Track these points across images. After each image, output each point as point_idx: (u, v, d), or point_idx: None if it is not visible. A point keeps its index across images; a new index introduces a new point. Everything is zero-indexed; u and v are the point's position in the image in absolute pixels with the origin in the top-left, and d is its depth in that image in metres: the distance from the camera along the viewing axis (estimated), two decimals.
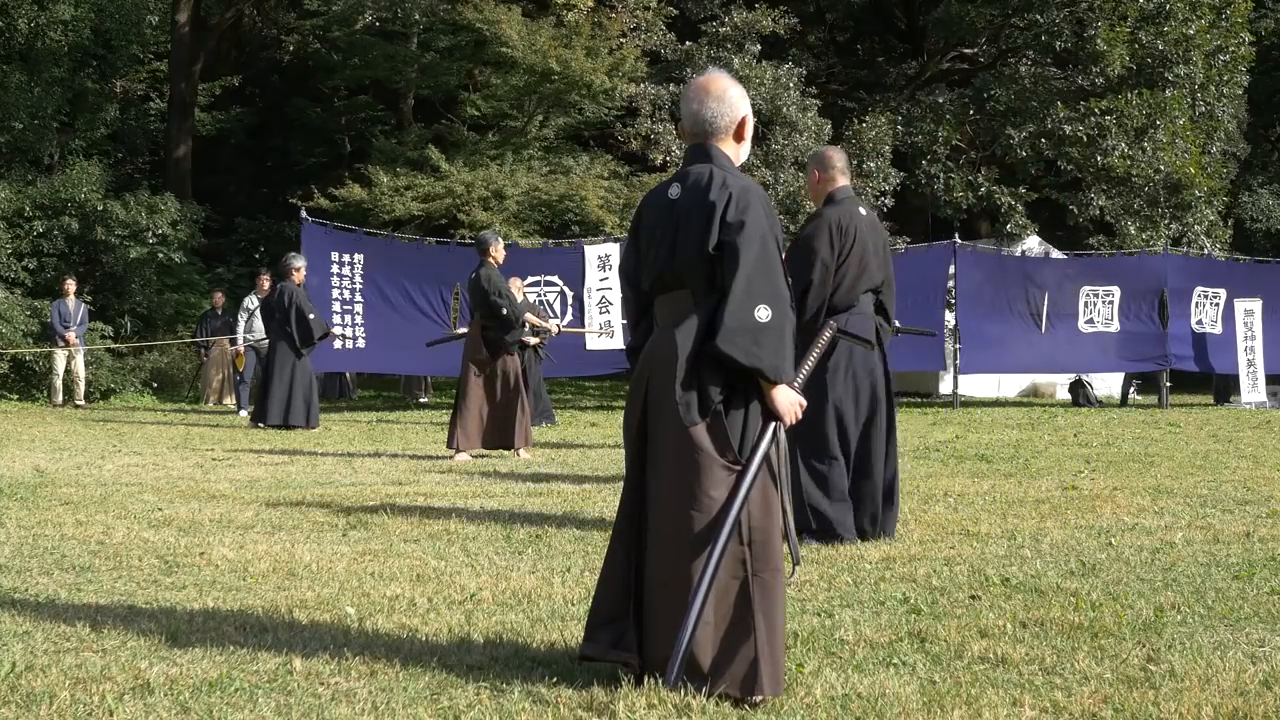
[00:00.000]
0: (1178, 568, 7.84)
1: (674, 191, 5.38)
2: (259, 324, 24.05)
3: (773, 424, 5.21)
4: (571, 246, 25.62)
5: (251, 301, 24.98)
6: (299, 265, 20.32)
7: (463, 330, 17.50)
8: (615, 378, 27.03)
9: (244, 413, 23.38)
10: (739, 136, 5.50)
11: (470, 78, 33.50)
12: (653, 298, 5.51)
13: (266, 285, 24.12)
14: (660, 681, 4.98)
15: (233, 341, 25.61)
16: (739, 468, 5.11)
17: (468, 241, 25.24)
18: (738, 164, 5.47)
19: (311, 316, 19.91)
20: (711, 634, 5.01)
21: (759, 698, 4.94)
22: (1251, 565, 7.92)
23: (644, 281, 5.53)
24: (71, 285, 26.69)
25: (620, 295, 6.07)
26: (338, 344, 22.95)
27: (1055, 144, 32.35)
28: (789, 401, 5.21)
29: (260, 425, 19.67)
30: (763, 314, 5.07)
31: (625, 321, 5.78)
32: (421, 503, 10.83)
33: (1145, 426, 20.54)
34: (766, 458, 5.16)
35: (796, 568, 5.32)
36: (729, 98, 5.44)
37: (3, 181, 29.73)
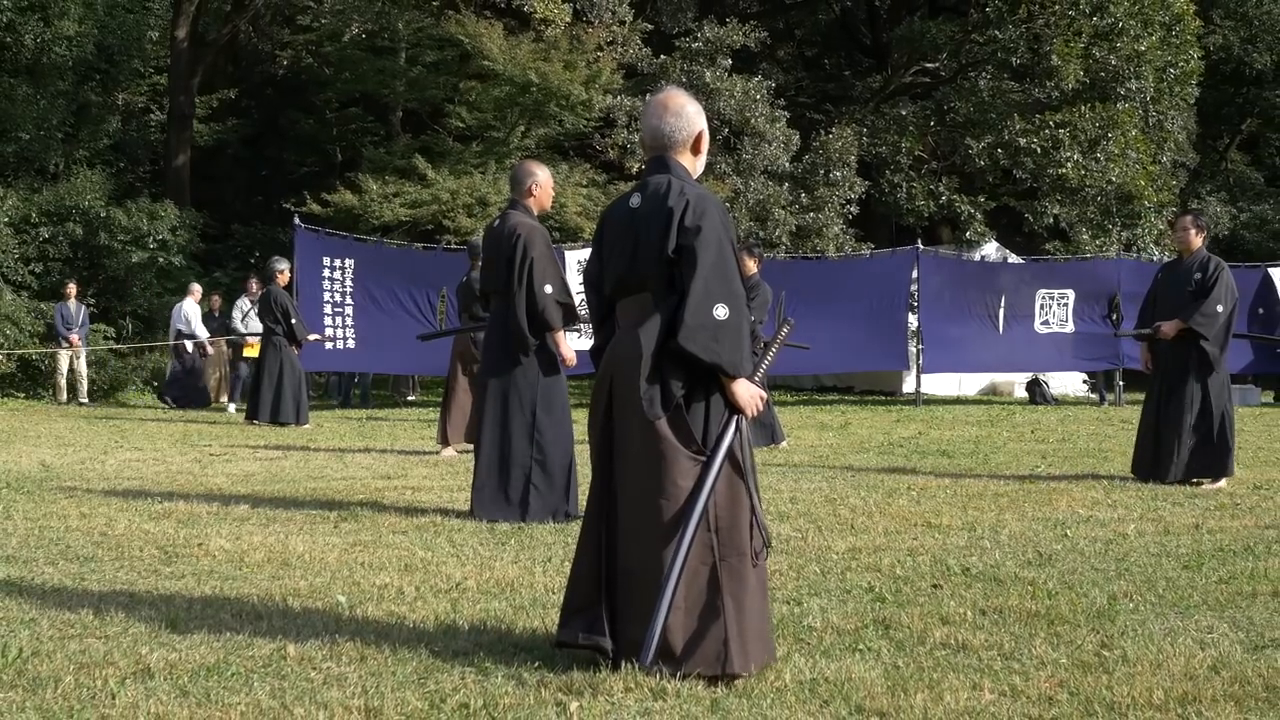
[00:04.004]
0: (1130, 558, 7.87)
1: (634, 200, 5.44)
2: (254, 323, 24.23)
3: (735, 417, 5.24)
4: None
5: (245, 303, 25.08)
6: (283, 268, 20.40)
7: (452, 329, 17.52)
8: (590, 377, 27.00)
9: (233, 408, 23.42)
10: (696, 150, 5.56)
11: (455, 90, 33.42)
12: (614, 301, 5.56)
13: (255, 287, 24.58)
14: (636, 665, 5.00)
15: (230, 344, 25.61)
16: (703, 458, 5.13)
17: (453, 246, 25.21)
18: (695, 175, 5.53)
19: (294, 321, 19.96)
20: (683, 618, 5.03)
21: (730, 673, 4.97)
22: (1200, 556, 7.95)
23: (606, 286, 5.58)
24: (73, 289, 26.78)
25: (585, 300, 6.08)
26: (328, 345, 22.93)
27: (1012, 154, 32.36)
28: (748, 395, 5.24)
29: (254, 422, 19.68)
30: (720, 312, 5.12)
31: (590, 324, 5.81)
32: (409, 496, 10.86)
33: (1099, 423, 20.58)
34: (731, 449, 5.19)
35: (767, 551, 5.32)
36: (686, 114, 5.50)
37: (10, 190, 29.70)
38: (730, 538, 5.13)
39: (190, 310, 25.78)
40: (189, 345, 25.28)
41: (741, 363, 5.19)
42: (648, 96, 6.82)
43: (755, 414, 5.30)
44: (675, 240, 5.20)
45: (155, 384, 28.95)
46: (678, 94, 5.59)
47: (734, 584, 5.09)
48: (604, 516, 5.34)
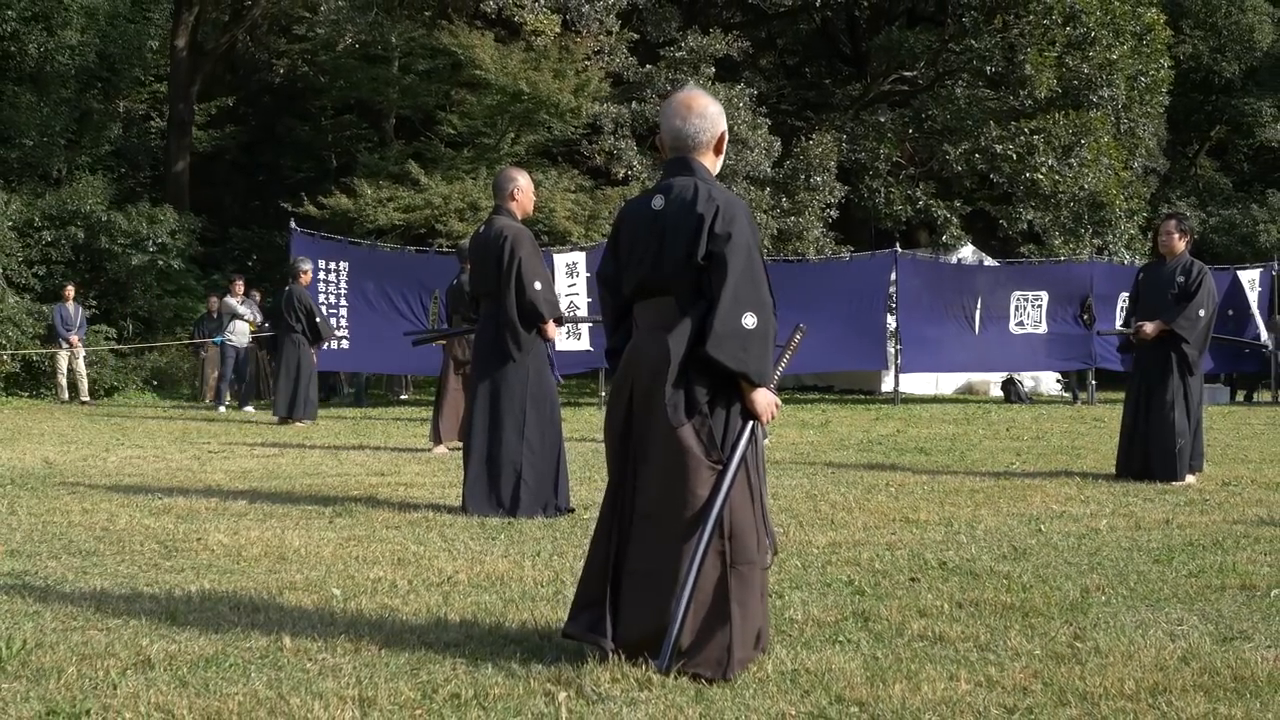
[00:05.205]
0: (1102, 552, 7.88)
1: (657, 203, 5.28)
2: (240, 325, 24.42)
3: (751, 423, 5.18)
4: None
5: (233, 304, 25.12)
6: (306, 268, 20.52)
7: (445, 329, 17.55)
8: (580, 376, 26.99)
9: (222, 408, 23.40)
10: (718, 150, 5.44)
11: (447, 98, 33.36)
12: (632, 303, 5.45)
13: (240, 289, 25.40)
14: (621, 657, 5.00)
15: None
16: (722, 466, 5.08)
17: (445, 250, 25.21)
18: (714, 175, 5.40)
19: (318, 320, 20.03)
20: (691, 620, 4.99)
21: (731, 677, 4.94)
22: (1170, 550, 7.96)
23: (625, 287, 5.45)
24: (71, 291, 26.94)
25: (599, 301, 5.92)
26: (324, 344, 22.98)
27: (988, 161, 32.38)
28: (767, 402, 5.18)
29: (259, 415, 19.75)
30: (749, 321, 5.02)
31: (603, 324, 5.73)
32: (402, 492, 10.84)
33: (1072, 421, 20.62)
34: (745, 456, 5.14)
35: (774, 556, 5.31)
36: (710, 114, 5.38)
37: (14, 194, 29.69)
38: (740, 545, 5.08)
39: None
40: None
41: (767, 371, 5.12)
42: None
43: (770, 420, 5.28)
44: (705, 247, 5.08)
45: (155, 383, 28.97)
46: (700, 94, 5.46)
47: (742, 591, 5.05)
48: (617, 517, 5.28)
